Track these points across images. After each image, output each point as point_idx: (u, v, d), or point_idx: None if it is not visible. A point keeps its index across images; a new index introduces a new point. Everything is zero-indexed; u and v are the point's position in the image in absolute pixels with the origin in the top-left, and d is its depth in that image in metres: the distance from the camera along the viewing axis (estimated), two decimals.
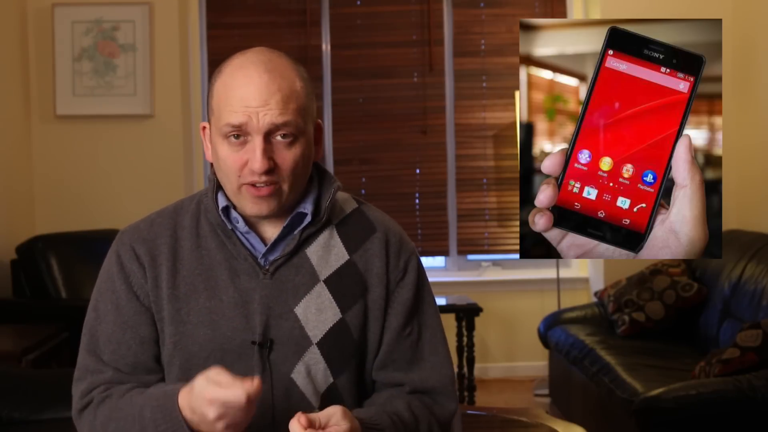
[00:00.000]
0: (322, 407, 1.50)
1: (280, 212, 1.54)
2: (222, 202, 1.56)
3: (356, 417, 1.44)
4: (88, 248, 4.60)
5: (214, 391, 1.36)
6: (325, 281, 1.56)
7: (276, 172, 1.49)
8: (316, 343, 1.54)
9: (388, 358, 1.59)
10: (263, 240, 1.57)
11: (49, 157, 5.14)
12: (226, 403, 1.34)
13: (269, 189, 1.49)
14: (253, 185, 1.49)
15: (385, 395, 1.59)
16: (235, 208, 1.56)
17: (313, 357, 1.53)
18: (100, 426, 1.51)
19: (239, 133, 1.48)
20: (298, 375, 1.53)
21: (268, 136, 1.48)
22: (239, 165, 1.49)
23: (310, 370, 1.53)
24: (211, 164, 1.60)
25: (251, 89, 1.47)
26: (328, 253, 1.58)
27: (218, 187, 1.58)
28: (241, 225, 1.56)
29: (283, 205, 1.53)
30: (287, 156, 1.49)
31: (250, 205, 1.51)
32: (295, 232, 1.57)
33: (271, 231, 1.57)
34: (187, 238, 1.57)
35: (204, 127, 1.59)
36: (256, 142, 1.47)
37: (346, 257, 1.58)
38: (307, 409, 1.51)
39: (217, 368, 1.38)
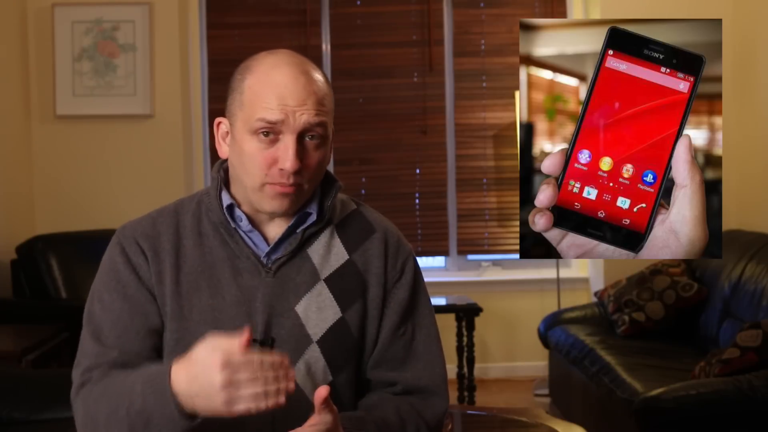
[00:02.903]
0: None
1: (292, 211, 1.55)
2: (226, 201, 1.57)
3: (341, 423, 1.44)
4: (88, 248, 4.60)
5: (221, 345, 1.32)
6: (326, 280, 1.57)
7: (301, 173, 1.49)
8: (316, 342, 1.54)
9: (382, 357, 1.60)
10: (266, 239, 1.57)
11: (49, 157, 5.14)
12: (233, 359, 1.30)
13: (293, 188, 1.50)
14: (278, 183, 1.49)
15: (375, 398, 1.59)
16: (239, 206, 1.56)
17: (313, 355, 1.54)
18: (93, 402, 1.48)
19: (270, 131, 1.48)
20: (298, 373, 1.53)
21: (300, 136, 1.48)
22: (267, 162, 1.48)
23: (310, 368, 1.54)
24: (217, 163, 1.60)
25: (290, 88, 1.48)
26: (328, 252, 1.59)
27: (222, 186, 1.58)
28: (244, 224, 1.56)
29: (300, 203, 1.54)
30: (314, 157, 1.51)
31: (270, 201, 1.51)
32: (298, 231, 1.57)
33: (275, 230, 1.58)
34: (189, 236, 1.58)
35: (219, 123, 1.58)
36: (289, 141, 1.47)
37: (346, 257, 1.59)
38: (306, 407, 1.51)
39: (210, 335, 1.35)
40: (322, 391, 1.37)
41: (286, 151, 1.47)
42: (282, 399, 1.32)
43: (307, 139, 1.49)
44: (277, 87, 1.48)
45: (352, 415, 1.51)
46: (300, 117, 1.47)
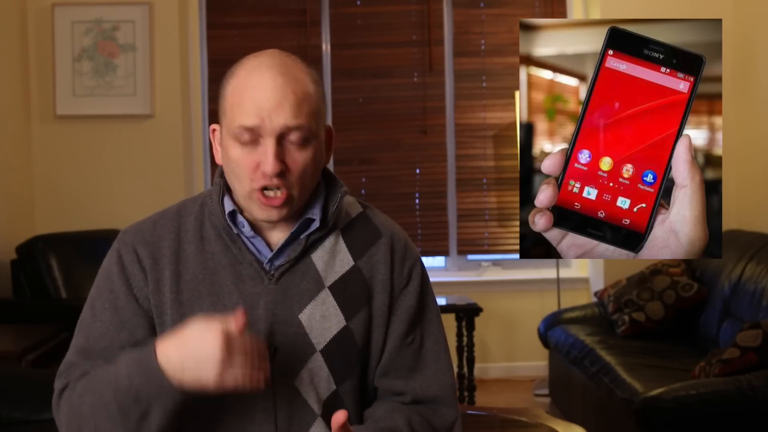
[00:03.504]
0: (324, 414, 1.49)
1: (289, 217, 1.53)
2: (228, 207, 1.54)
3: None
4: (88, 248, 4.60)
5: (218, 322, 1.36)
6: (330, 288, 1.54)
7: (287, 176, 1.46)
8: (320, 351, 1.52)
9: (390, 366, 1.57)
10: (269, 245, 1.55)
11: (49, 157, 5.14)
12: (232, 336, 1.35)
13: (280, 198, 1.47)
14: (264, 193, 1.47)
15: (385, 408, 1.56)
16: (241, 212, 1.54)
17: (317, 364, 1.51)
18: (77, 397, 1.47)
19: (251, 135, 1.45)
20: (301, 382, 1.51)
21: (280, 138, 1.45)
22: (251, 167, 1.46)
23: (313, 377, 1.51)
24: (220, 167, 1.58)
25: (265, 92, 1.45)
26: (333, 258, 1.56)
27: (225, 190, 1.56)
28: (246, 230, 1.54)
29: (293, 210, 1.51)
30: (298, 159, 1.47)
31: (259, 211, 1.49)
32: (302, 237, 1.54)
33: (278, 236, 1.55)
34: (191, 241, 1.55)
35: (214, 130, 1.56)
36: (268, 144, 1.44)
37: (351, 263, 1.56)
38: (309, 416, 1.50)
39: (201, 316, 1.40)
40: (341, 416, 1.37)
41: (266, 154, 1.44)
42: (263, 385, 1.38)
43: (290, 140, 1.46)
44: (253, 91, 1.45)
45: (365, 429, 1.49)
46: (276, 119, 1.44)
